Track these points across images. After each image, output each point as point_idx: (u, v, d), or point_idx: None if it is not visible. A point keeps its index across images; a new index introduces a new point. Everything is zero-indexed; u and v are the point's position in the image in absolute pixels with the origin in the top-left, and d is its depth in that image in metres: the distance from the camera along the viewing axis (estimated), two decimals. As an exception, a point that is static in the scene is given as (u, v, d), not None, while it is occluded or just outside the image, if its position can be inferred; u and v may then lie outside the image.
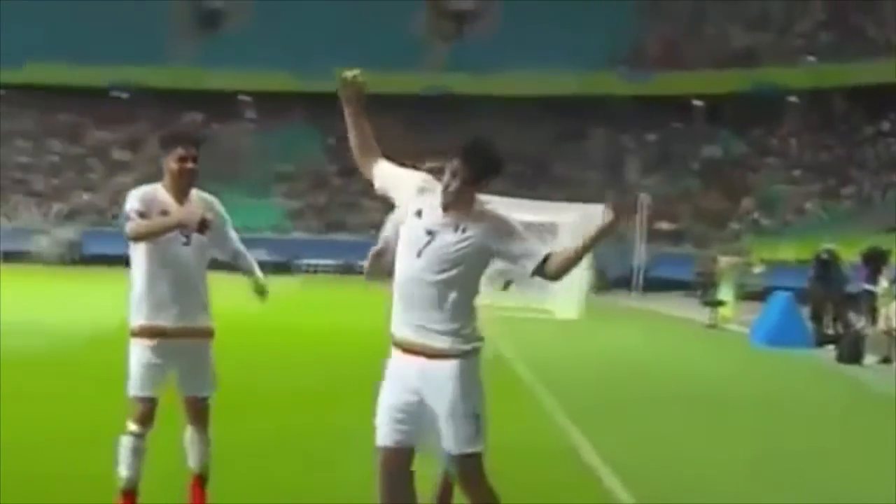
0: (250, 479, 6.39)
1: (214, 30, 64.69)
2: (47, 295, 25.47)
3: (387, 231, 5.35)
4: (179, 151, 5.24)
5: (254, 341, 14.17)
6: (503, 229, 4.20)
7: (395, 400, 4.18)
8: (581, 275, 26.23)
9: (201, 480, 5.49)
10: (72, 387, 9.83)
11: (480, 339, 4.29)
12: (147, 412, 5.21)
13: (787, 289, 20.23)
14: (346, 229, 51.76)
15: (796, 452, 8.32)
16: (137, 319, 5.25)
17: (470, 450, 4.16)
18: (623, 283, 41.13)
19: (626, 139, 58.18)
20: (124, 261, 5.39)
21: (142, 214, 5.14)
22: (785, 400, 11.82)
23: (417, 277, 4.12)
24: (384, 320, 4.38)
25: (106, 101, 60.61)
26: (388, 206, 4.72)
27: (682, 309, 28.71)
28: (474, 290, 4.27)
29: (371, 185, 4.46)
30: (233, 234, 5.58)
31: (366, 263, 5.52)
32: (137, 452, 5.17)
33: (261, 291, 5.73)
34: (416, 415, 4.17)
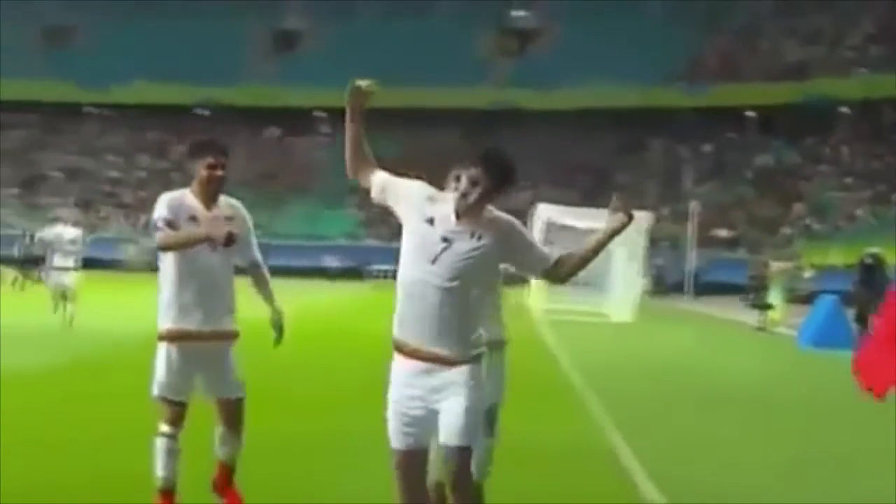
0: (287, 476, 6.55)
1: (290, 50, 66.02)
2: (135, 299, 26.70)
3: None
4: (210, 159, 5.26)
5: (324, 346, 14.97)
6: (515, 235, 4.21)
7: (403, 406, 4.16)
8: (635, 280, 28.09)
9: (227, 470, 5.46)
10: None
11: (502, 339, 4.71)
12: (177, 414, 5.25)
13: (834, 292, 20.40)
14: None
15: (840, 455, 8.22)
16: (165, 323, 5.28)
17: (465, 443, 4.11)
18: (679, 287, 42.73)
19: (682, 150, 58.84)
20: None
21: (169, 223, 5.19)
22: (830, 401, 11.65)
23: (432, 284, 4.07)
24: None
25: (189, 119, 61.52)
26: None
27: (732, 312, 28.78)
28: (486, 296, 4.30)
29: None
30: (254, 243, 5.55)
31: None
32: (172, 453, 5.20)
33: (277, 328, 5.55)
34: (423, 419, 4.14)
